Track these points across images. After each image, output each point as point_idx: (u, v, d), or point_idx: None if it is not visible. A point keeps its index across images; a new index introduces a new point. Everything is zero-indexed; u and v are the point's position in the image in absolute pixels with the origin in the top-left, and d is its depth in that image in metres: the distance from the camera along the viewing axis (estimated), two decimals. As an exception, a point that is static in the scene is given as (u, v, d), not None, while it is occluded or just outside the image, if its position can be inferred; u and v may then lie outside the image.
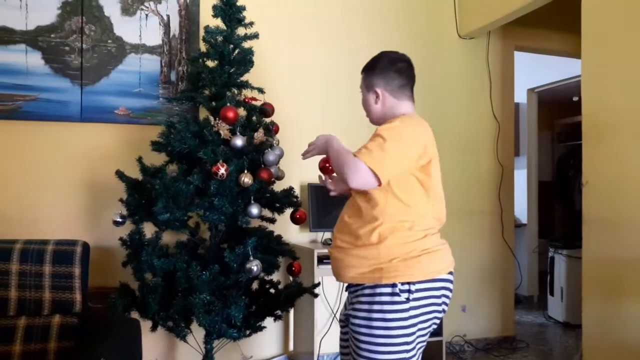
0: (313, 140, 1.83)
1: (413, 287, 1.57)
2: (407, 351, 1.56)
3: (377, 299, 1.58)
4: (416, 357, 1.62)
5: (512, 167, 3.95)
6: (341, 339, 1.82)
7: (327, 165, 1.90)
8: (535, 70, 5.16)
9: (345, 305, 1.81)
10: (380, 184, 1.57)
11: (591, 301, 2.74)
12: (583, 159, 2.82)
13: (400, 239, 1.60)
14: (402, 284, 1.57)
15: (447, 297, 1.69)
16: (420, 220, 1.65)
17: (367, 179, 1.56)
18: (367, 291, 1.61)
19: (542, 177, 5.71)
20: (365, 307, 1.60)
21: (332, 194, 1.85)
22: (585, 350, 2.75)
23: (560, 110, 6.06)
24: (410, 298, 1.56)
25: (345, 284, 1.76)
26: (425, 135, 1.72)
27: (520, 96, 5.07)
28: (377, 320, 1.57)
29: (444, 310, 1.69)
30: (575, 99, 5.27)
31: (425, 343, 1.67)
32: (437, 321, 1.68)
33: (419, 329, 1.60)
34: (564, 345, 3.85)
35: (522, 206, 5.18)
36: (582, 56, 2.81)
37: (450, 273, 1.70)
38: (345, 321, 1.73)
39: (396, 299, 1.56)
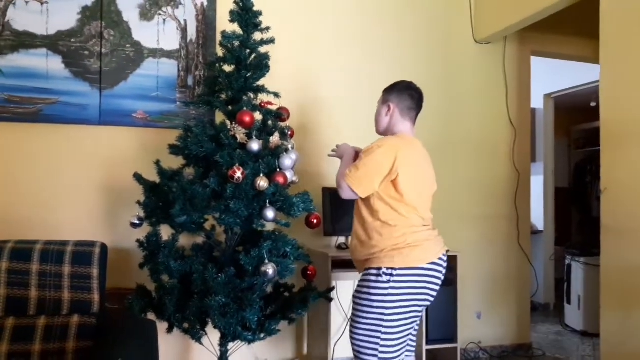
0: (340, 144, 2.37)
1: (394, 272, 1.97)
2: (383, 320, 1.97)
3: (366, 277, 2.03)
4: (397, 333, 2.00)
5: (528, 173, 3.91)
6: None
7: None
8: (552, 76, 5.11)
9: None
10: (359, 196, 2.06)
11: (610, 310, 2.70)
12: (601, 165, 2.79)
13: (388, 235, 2.02)
14: (387, 268, 1.97)
15: (430, 282, 2.03)
16: (404, 220, 2.04)
17: (350, 194, 2.08)
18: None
19: (559, 183, 5.65)
20: (359, 283, 2.07)
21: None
22: (603, 359, 2.71)
23: (577, 116, 6.00)
24: (391, 280, 1.96)
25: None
26: (399, 153, 2.05)
27: (537, 102, 5.03)
28: (364, 294, 2.01)
29: (428, 294, 2.05)
30: (592, 104, 5.21)
31: (411, 325, 2.05)
32: (420, 304, 2.04)
33: (398, 307, 1.97)
34: (581, 355, 3.79)
35: (538, 213, 5.13)
36: (601, 61, 2.79)
37: (434, 263, 2.04)
38: None
39: (379, 279, 1.98)
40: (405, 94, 2.25)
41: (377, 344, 1.99)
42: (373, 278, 2.00)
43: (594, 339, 3.99)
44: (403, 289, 1.98)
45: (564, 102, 5.47)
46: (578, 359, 3.70)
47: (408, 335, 2.06)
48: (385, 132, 2.24)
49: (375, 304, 1.98)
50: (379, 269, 1.99)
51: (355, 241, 2.13)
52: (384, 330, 1.98)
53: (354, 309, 2.07)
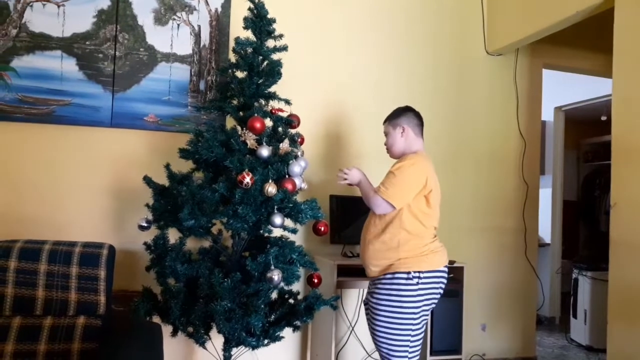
0: (346, 169, 2.46)
1: (422, 275, 2.25)
2: (414, 320, 2.25)
3: (392, 282, 2.26)
4: (421, 331, 2.32)
5: (537, 186, 3.90)
6: None
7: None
8: (563, 89, 5.10)
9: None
10: (395, 208, 2.27)
11: (617, 325, 2.68)
12: (612, 180, 2.77)
13: (414, 245, 2.28)
14: (415, 272, 2.24)
15: (442, 284, 2.35)
16: (426, 231, 2.33)
17: (386, 209, 2.30)
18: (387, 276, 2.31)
19: (567, 196, 5.61)
20: (383, 289, 2.29)
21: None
22: (609, 376, 2.68)
23: (587, 129, 5.97)
24: (419, 282, 2.24)
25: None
26: (427, 170, 2.33)
27: (547, 114, 5.02)
28: (394, 297, 2.26)
29: (439, 295, 2.35)
30: (603, 118, 5.19)
31: (428, 318, 2.37)
32: (434, 303, 2.34)
33: (424, 306, 2.26)
34: (587, 370, 3.76)
35: (545, 226, 5.09)
36: (614, 75, 2.78)
37: (446, 266, 2.37)
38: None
39: (410, 282, 2.23)
40: (411, 114, 2.50)
41: (407, 343, 2.26)
42: (403, 282, 2.24)
43: (600, 354, 3.95)
44: (428, 289, 2.27)
45: (574, 115, 5.45)
46: (583, 375, 3.67)
47: None
48: (402, 154, 2.44)
49: (406, 305, 2.23)
50: (408, 272, 2.24)
51: (378, 245, 2.31)
52: (414, 328, 2.26)
53: (381, 314, 2.25)
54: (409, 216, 2.28)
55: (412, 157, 2.36)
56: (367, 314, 2.36)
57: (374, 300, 2.29)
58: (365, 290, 2.55)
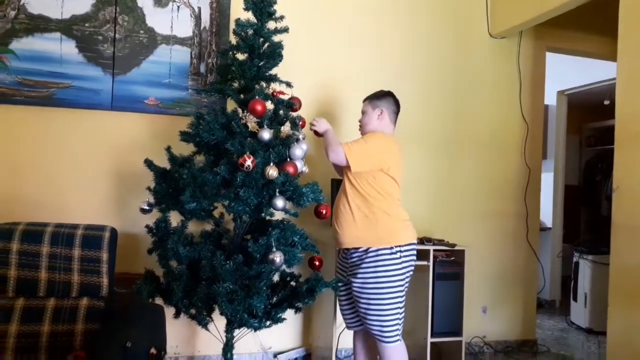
0: (317, 119, 2.56)
1: (403, 248, 2.38)
2: (401, 291, 2.39)
3: (377, 257, 2.37)
4: (405, 299, 2.43)
5: (539, 170, 3.89)
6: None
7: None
8: (565, 73, 5.06)
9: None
10: (349, 167, 2.39)
11: (617, 308, 2.69)
12: (614, 164, 2.76)
13: (396, 215, 2.43)
14: (397, 246, 2.37)
15: (415, 257, 2.50)
16: (400, 206, 2.48)
17: (341, 160, 2.41)
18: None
19: (569, 181, 5.61)
20: (369, 265, 2.39)
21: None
22: (609, 357, 2.70)
23: (589, 114, 5.94)
24: (402, 256, 2.37)
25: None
26: (394, 151, 2.46)
27: (550, 98, 4.98)
28: (381, 272, 2.37)
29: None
30: (606, 102, 5.15)
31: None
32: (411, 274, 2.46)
33: (407, 277, 2.42)
34: (587, 352, 3.79)
35: (547, 210, 5.10)
36: (618, 58, 2.75)
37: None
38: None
39: (394, 256, 2.36)
40: (391, 100, 2.59)
41: (399, 314, 2.38)
42: (387, 257, 2.35)
43: (600, 337, 3.98)
44: (409, 262, 2.41)
45: (577, 99, 5.42)
46: (583, 356, 3.69)
47: None
48: (369, 134, 2.54)
49: (394, 278, 2.35)
50: (391, 248, 2.36)
51: (359, 216, 2.40)
52: (401, 299, 2.38)
53: (372, 291, 2.35)
54: (386, 187, 2.41)
55: (386, 135, 2.50)
56: (355, 295, 2.43)
57: (360, 280, 2.38)
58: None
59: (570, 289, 4.57)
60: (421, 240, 3.04)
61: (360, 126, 2.62)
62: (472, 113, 3.66)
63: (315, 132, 2.56)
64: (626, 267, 2.65)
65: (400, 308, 2.39)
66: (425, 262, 2.97)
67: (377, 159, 2.40)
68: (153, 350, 1.63)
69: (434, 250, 3.02)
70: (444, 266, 3.07)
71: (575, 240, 5.31)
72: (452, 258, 3.11)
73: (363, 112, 2.61)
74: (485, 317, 3.65)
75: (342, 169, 2.54)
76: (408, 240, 2.41)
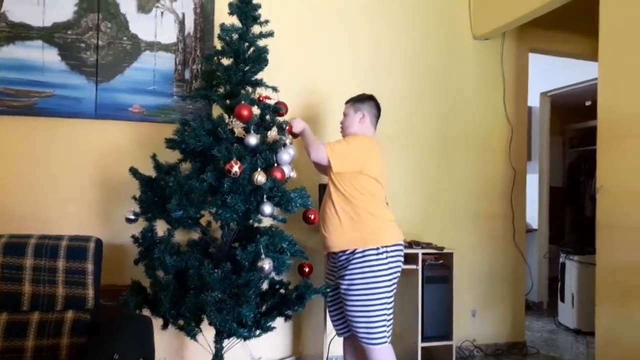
0: (293, 119, 2.54)
1: (389, 249, 2.39)
2: (389, 293, 2.38)
3: (363, 259, 2.38)
4: (393, 301, 2.41)
5: (524, 171, 3.92)
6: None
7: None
8: (548, 74, 5.12)
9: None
10: (331, 167, 2.41)
11: (605, 307, 2.71)
12: (597, 163, 2.79)
13: (380, 215, 2.45)
14: (383, 247, 2.37)
15: (403, 257, 2.48)
16: (385, 207, 2.50)
17: (322, 159, 2.42)
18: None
19: (553, 182, 5.66)
20: (356, 267, 2.40)
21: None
22: (598, 357, 2.72)
23: (571, 115, 6.02)
24: (388, 256, 2.38)
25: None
26: (375, 153, 2.48)
27: (533, 100, 5.04)
28: (367, 273, 2.37)
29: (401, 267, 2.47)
30: (588, 103, 5.23)
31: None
32: (399, 275, 2.46)
33: (395, 278, 2.41)
34: (575, 352, 3.81)
35: (532, 211, 5.14)
36: (599, 59, 2.79)
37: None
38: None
39: (380, 257, 2.36)
40: (373, 104, 2.62)
41: (387, 315, 2.36)
42: (374, 258, 2.35)
43: (588, 337, 4.01)
44: (396, 262, 2.41)
45: (559, 100, 5.49)
46: (572, 357, 3.71)
47: None
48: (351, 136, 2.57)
49: (381, 279, 2.34)
50: (377, 248, 2.36)
51: (345, 219, 2.41)
52: (389, 301, 2.37)
53: (359, 292, 2.34)
54: (368, 188, 2.42)
55: (367, 138, 2.53)
56: (342, 297, 2.43)
57: (347, 282, 2.38)
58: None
59: (557, 290, 4.61)
60: (409, 244, 3.04)
61: (342, 128, 2.65)
62: (458, 115, 3.68)
63: (292, 133, 2.55)
64: (612, 266, 2.67)
65: (388, 309, 2.38)
66: (414, 266, 2.97)
67: (358, 161, 2.43)
68: (141, 363, 1.60)
69: (423, 253, 3.02)
70: (433, 269, 3.07)
71: (560, 241, 5.37)
72: (441, 261, 3.11)
73: (345, 115, 2.64)
74: (474, 320, 3.66)
75: (327, 172, 2.54)
76: (394, 241, 2.42)
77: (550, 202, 5.41)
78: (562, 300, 4.50)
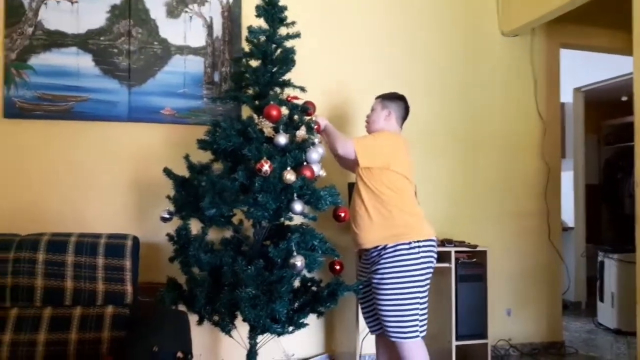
0: (316, 116, 2.52)
1: (421, 244, 2.37)
2: (421, 288, 2.37)
3: (395, 253, 2.37)
4: (427, 299, 2.41)
5: (558, 169, 3.83)
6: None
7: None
8: (581, 69, 5.00)
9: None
10: (357, 161, 2.43)
11: (647, 304, 2.62)
12: (635, 158, 2.71)
13: (410, 210, 2.45)
14: (415, 241, 2.37)
15: (436, 252, 2.47)
16: (414, 202, 2.51)
17: (350, 154, 2.44)
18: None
19: (589, 180, 5.52)
20: (388, 261, 2.39)
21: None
22: (640, 356, 2.63)
23: (607, 111, 5.86)
24: (420, 251, 2.37)
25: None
26: (399, 148, 2.48)
27: (566, 96, 4.93)
28: (399, 268, 2.37)
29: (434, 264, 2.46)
30: (624, 98, 5.09)
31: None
32: (432, 271, 2.44)
33: (427, 274, 2.39)
34: (616, 353, 3.70)
35: (568, 209, 5.02)
36: (634, 52, 2.71)
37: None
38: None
39: (412, 252, 2.36)
40: (402, 104, 2.62)
41: (417, 312, 2.34)
42: (405, 252, 2.35)
43: (629, 337, 3.89)
44: (428, 257, 2.39)
45: (594, 96, 5.35)
46: (612, 357, 3.61)
47: None
48: (377, 132, 2.58)
49: (413, 273, 2.34)
50: (409, 242, 2.35)
51: (376, 215, 2.41)
52: (422, 296, 2.36)
53: (390, 286, 2.34)
54: (398, 183, 2.42)
55: (394, 134, 2.54)
56: (374, 292, 2.43)
57: (378, 276, 2.38)
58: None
59: (596, 290, 4.48)
60: (442, 242, 3.01)
61: (367, 122, 2.66)
62: (488, 113, 3.63)
63: (319, 132, 2.56)
64: (654, 262, 2.58)
65: (421, 304, 2.37)
66: (447, 264, 2.94)
67: (385, 156, 2.43)
68: (180, 354, 1.63)
69: (456, 252, 2.99)
70: (466, 268, 3.03)
71: (597, 240, 5.23)
72: (474, 259, 3.07)
73: (372, 109, 2.66)
74: (509, 319, 3.59)
75: (354, 169, 2.55)
76: (426, 236, 2.41)
77: (586, 200, 5.28)
78: (602, 299, 4.38)
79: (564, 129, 5.03)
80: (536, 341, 3.65)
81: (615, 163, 5.89)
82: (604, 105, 5.70)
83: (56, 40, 2.78)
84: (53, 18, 2.78)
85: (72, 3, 2.81)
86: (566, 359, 3.53)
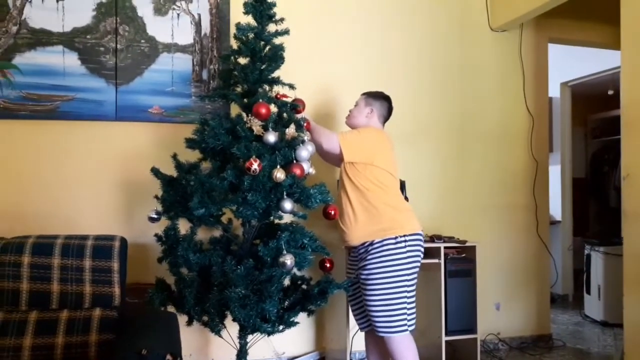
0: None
1: (408, 238, 2.40)
2: (408, 282, 2.39)
3: (381, 248, 2.39)
4: (414, 294, 2.44)
5: (546, 162, 3.86)
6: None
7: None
8: (568, 64, 5.03)
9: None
10: (342, 156, 2.46)
11: (632, 298, 2.66)
12: (622, 151, 2.74)
13: (399, 205, 2.50)
14: (401, 236, 2.39)
15: (422, 246, 2.49)
16: (400, 196, 2.55)
17: (335, 147, 2.47)
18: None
19: (576, 173, 5.57)
20: (374, 256, 2.41)
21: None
22: (627, 349, 2.67)
23: (593, 105, 5.91)
24: (407, 245, 2.39)
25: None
26: (383, 144, 2.51)
27: (553, 90, 4.96)
28: (385, 262, 2.39)
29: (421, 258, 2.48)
30: (610, 92, 5.13)
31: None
32: (419, 265, 2.47)
33: (414, 267, 2.42)
34: (603, 345, 3.75)
35: (555, 203, 5.07)
36: (622, 47, 2.74)
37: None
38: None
39: (398, 246, 2.38)
40: (386, 104, 2.65)
41: (404, 307, 2.35)
42: (392, 247, 2.37)
43: (615, 329, 3.94)
44: (415, 252, 2.41)
45: (580, 90, 5.39)
46: (599, 349, 3.65)
47: None
48: (356, 128, 2.61)
49: (398, 268, 2.35)
50: (395, 237, 2.37)
51: (361, 212, 2.44)
52: (409, 290, 2.38)
53: (377, 281, 2.36)
54: (377, 184, 2.43)
55: (378, 130, 2.57)
56: (361, 287, 2.45)
57: (366, 272, 2.40)
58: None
59: (582, 282, 4.54)
60: (431, 238, 3.02)
61: (348, 116, 2.69)
62: (476, 108, 3.64)
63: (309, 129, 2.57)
64: (639, 255, 2.62)
65: (408, 298, 2.39)
66: (436, 260, 2.96)
67: (368, 151, 2.46)
68: (169, 357, 1.62)
69: (445, 247, 3.00)
70: (456, 263, 3.05)
71: (584, 233, 5.28)
72: (463, 255, 3.09)
73: (356, 104, 2.68)
74: (498, 314, 3.62)
75: (339, 165, 2.57)
76: (412, 230, 2.43)
77: (574, 193, 5.33)
78: (588, 292, 4.43)
79: (552, 123, 5.06)
80: (525, 335, 3.69)
81: (601, 156, 5.95)
82: (590, 99, 5.75)
83: (41, 38, 2.74)
84: (38, 16, 2.74)
85: (57, 1, 2.77)
86: (554, 352, 3.57)
